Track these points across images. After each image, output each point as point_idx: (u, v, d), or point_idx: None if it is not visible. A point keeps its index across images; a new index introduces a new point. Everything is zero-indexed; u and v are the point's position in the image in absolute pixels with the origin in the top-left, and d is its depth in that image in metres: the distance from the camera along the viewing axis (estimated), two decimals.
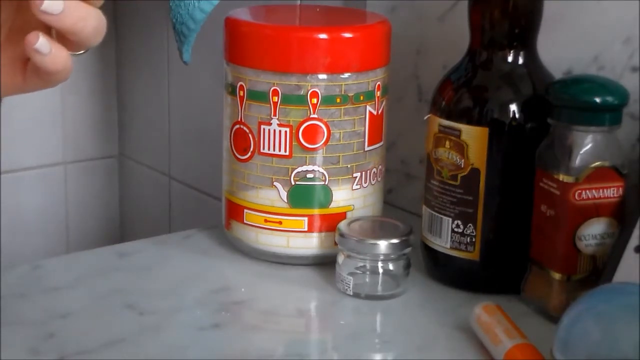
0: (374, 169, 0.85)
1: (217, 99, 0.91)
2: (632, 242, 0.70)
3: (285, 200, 0.83)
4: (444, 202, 0.79)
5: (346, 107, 0.82)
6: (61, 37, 0.59)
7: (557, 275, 0.74)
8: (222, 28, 0.85)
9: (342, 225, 0.81)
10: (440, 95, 0.80)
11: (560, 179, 0.73)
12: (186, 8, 0.98)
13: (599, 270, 0.73)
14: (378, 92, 0.84)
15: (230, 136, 0.85)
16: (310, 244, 0.84)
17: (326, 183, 0.83)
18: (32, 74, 0.62)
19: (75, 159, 1.39)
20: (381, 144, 0.86)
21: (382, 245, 0.78)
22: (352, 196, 0.84)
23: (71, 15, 0.57)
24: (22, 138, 1.32)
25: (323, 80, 0.81)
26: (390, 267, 0.79)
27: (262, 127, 0.82)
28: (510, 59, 0.78)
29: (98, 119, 1.40)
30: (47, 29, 0.60)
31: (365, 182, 0.85)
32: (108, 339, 0.71)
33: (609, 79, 0.76)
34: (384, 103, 0.85)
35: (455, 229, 0.79)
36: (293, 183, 0.83)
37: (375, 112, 0.84)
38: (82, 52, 0.61)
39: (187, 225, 0.98)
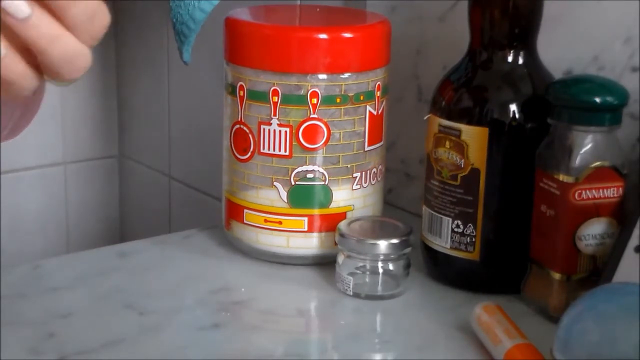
0: (374, 169, 0.85)
1: (217, 99, 0.91)
2: (632, 242, 0.70)
3: (285, 200, 0.83)
4: (444, 202, 0.79)
5: (346, 107, 0.82)
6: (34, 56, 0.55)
7: (557, 275, 0.74)
8: (222, 28, 0.85)
9: (342, 225, 0.81)
10: (440, 95, 0.80)
11: (560, 179, 0.73)
12: (186, 8, 0.98)
13: (599, 270, 0.73)
14: (378, 92, 0.84)
15: (230, 136, 0.85)
16: (310, 244, 0.84)
17: (326, 183, 0.83)
18: None
19: (75, 159, 1.39)
20: (381, 144, 0.86)
21: (382, 245, 0.78)
22: (352, 196, 0.84)
23: (37, 28, 0.53)
24: (22, 138, 1.32)
25: (323, 80, 0.81)
26: (390, 267, 0.79)
27: (262, 127, 0.82)
28: (510, 59, 0.78)
29: (98, 119, 1.40)
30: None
31: (365, 182, 0.85)
32: (108, 339, 0.71)
33: (609, 79, 0.76)
34: (384, 103, 0.85)
35: (455, 229, 0.79)
36: (293, 183, 0.83)
37: (375, 112, 0.84)
38: (64, 83, 0.57)
39: (187, 225, 0.98)
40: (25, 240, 1.36)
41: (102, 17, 0.54)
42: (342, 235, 0.79)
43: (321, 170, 0.82)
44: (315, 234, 0.84)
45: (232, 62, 0.84)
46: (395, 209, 0.98)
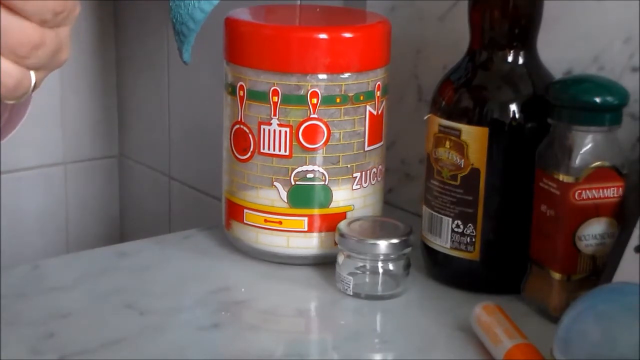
0: (374, 169, 0.85)
1: (217, 99, 0.91)
2: (632, 242, 0.70)
3: (285, 200, 0.83)
4: (444, 202, 0.79)
5: (346, 107, 0.82)
6: None
7: (557, 275, 0.74)
8: (222, 28, 0.85)
9: (342, 225, 0.81)
10: (440, 95, 0.80)
11: (560, 179, 0.73)
12: (186, 8, 0.98)
13: (599, 270, 0.73)
14: (378, 92, 0.84)
15: (230, 136, 0.85)
16: (310, 244, 0.84)
17: (326, 183, 0.83)
18: None
19: (75, 159, 1.39)
20: (381, 144, 0.86)
21: (382, 245, 0.78)
22: (352, 196, 0.84)
23: None
24: (22, 138, 1.32)
25: (323, 80, 0.81)
26: (390, 267, 0.79)
27: (262, 127, 0.82)
28: (510, 59, 0.78)
29: (98, 119, 1.40)
30: None
31: (365, 182, 0.85)
32: (108, 339, 0.71)
33: (609, 79, 0.76)
34: (384, 103, 0.85)
35: (455, 229, 0.79)
36: (293, 183, 0.83)
37: (375, 112, 0.84)
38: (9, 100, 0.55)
39: (187, 225, 0.98)
40: (25, 240, 1.36)
41: (11, 34, 0.52)
42: (342, 235, 0.79)
43: (321, 170, 0.82)
44: (315, 234, 0.84)
45: (232, 62, 0.84)
46: (395, 209, 0.98)
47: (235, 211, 0.86)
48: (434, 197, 0.80)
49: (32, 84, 0.55)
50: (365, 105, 0.83)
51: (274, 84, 0.81)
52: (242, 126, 0.83)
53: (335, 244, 0.81)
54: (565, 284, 0.74)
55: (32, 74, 0.55)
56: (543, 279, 0.75)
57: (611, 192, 0.73)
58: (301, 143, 0.82)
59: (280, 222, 0.83)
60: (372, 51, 0.83)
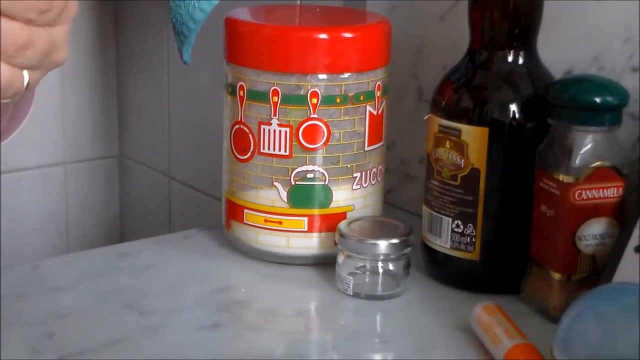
0: (374, 169, 0.85)
1: (217, 99, 0.91)
2: (632, 242, 0.70)
3: (285, 200, 0.83)
4: (444, 202, 0.79)
5: (346, 107, 0.82)
6: None
7: (557, 275, 0.74)
8: (222, 28, 0.85)
9: (342, 225, 0.81)
10: (440, 95, 0.80)
11: (560, 179, 0.73)
12: (186, 8, 0.98)
13: (599, 270, 0.73)
14: (378, 92, 0.84)
15: (230, 136, 0.85)
16: (310, 244, 0.84)
17: (326, 183, 0.83)
18: None
19: (75, 159, 1.39)
20: (381, 144, 0.86)
21: (382, 245, 0.78)
22: (352, 196, 0.84)
23: None
24: (22, 138, 1.32)
25: (323, 80, 0.81)
26: (390, 267, 0.79)
27: (262, 127, 0.82)
28: (510, 59, 0.78)
29: (98, 119, 1.40)
30: None
31: (365, 182, 0.85)
32: (108, 339, 0.71)
33: (609, 79, 0.76)
34: (384, 103, 0.85)
35: (455, 229, 0.79)
36: (293, 183, 0.83)
37: (375, 112, 0.84)
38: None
39: (187, 225, 0.98)
40: (25, 240, 1.35)
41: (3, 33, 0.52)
42: (342, 235, 0.79)
43: (321, 170, 0.82)
44: (315, 234, 0.84)
45: (232, 62, 0.84)
46: (395, 209, 0.98)
47: (235, 211, 0.86)
48: (434, 197, 0.80)
49: (25, 83, 0.54)
50: (365, 105, 0.83)
51: (274, 84, 0.81)
52: (242, 126, 0.83)
53: (335, 244, 0.81)
54: (565, 284, 0.74)
55: (25, 73, 0.54)
56: (543, 279, 0.75)
57: (611, 192, 0.73)
58: (301, 143, 0.82)
59: (280, 222, 0.83)
60: (372, 51, 0.83)
